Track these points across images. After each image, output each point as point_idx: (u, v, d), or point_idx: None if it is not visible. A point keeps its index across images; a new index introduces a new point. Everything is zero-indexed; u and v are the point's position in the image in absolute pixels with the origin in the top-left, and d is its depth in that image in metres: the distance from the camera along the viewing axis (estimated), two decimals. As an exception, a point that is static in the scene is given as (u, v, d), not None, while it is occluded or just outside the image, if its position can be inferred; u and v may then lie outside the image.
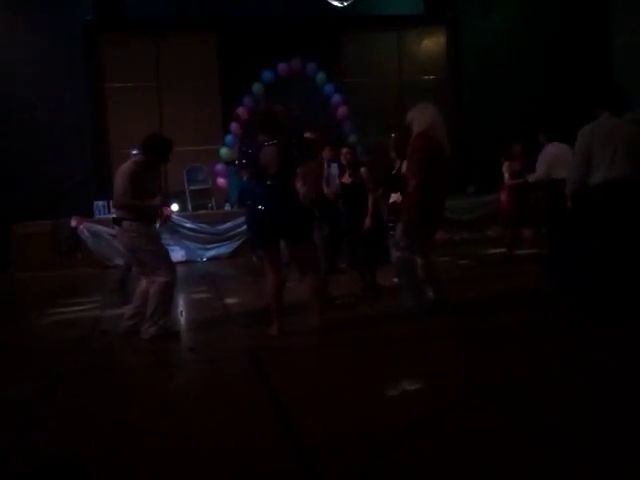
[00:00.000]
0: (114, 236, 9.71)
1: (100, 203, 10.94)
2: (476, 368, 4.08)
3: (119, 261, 8.74)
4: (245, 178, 5.32)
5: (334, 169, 6.77)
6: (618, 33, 12.54)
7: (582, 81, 11.46)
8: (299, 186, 4.99)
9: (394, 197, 6.01)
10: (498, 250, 9.26)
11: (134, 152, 6.85)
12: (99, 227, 10.58)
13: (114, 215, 5.37)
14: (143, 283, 5.36)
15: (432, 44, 14.40)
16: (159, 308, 5.20)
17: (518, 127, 10.07)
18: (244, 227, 9.48)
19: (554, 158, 6.94)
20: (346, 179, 6.47)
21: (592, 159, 4.98)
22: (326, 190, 6.64)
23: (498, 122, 12.03)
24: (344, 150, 6.57)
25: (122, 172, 5.23)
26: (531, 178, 7.50)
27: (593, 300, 5.02)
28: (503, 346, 4.52)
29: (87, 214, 10.92)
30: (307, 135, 5.01)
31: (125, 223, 5.18)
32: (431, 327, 5.14)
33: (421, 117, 5.28)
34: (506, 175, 8.58)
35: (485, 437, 2.92)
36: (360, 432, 3.03)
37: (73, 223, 10.56)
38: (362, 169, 6.43)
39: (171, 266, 5.38)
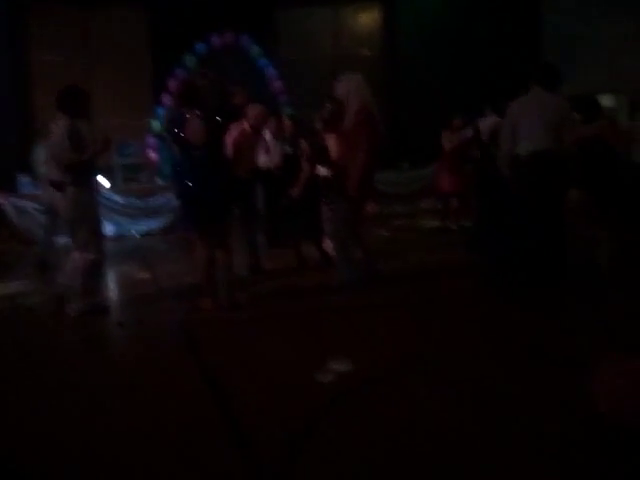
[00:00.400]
0: (40, 211, 9.43)
1: (24, 179, 10.47)
2: (410, 338, 4.13)
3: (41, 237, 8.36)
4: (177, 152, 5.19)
5: (274, 144, 6.86)
6: (548, 13, 12.85)
7: (516, 58, 11.69)
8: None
9: (323, 171, 5.95)
10: (432, 222, 9.38)
11: None
12: (24, 202, 10.14)
13: (55, 179, 5.10)
14: (74, 257, 5.17)
15: (368, 19, 14.33)
16: (86, 285, 5.08)
17: (455, 103, 10.14)
18: (176, 202, 9.28)
19: (489, 125, 7.32)
20: (287, 150, 6.62)
21: (519, 130, 5.18)
22: (268, 163, 6.73)
23: (434, 98, 12.09)
24: (286, 122, 6.76)
25: (55, 134, 4.99)
26: (465, 133, 7.94)
27: (516, 269, 5.21)
28: (437, 316, 4.61)
29: (10, 190, 10.42)
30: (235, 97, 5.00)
31: (69, 189, 4.96)
32: (366, 298, 5.18)
33: (357, 91, 5.27)
34: (445, 144, 8.68)
35: (417, 405, 2.97)
36: (293, 406, 3.05)
37: (-3, 198, 10.08)
38: (302, 140, 6.47)
39: (102, 243, 5.26)
